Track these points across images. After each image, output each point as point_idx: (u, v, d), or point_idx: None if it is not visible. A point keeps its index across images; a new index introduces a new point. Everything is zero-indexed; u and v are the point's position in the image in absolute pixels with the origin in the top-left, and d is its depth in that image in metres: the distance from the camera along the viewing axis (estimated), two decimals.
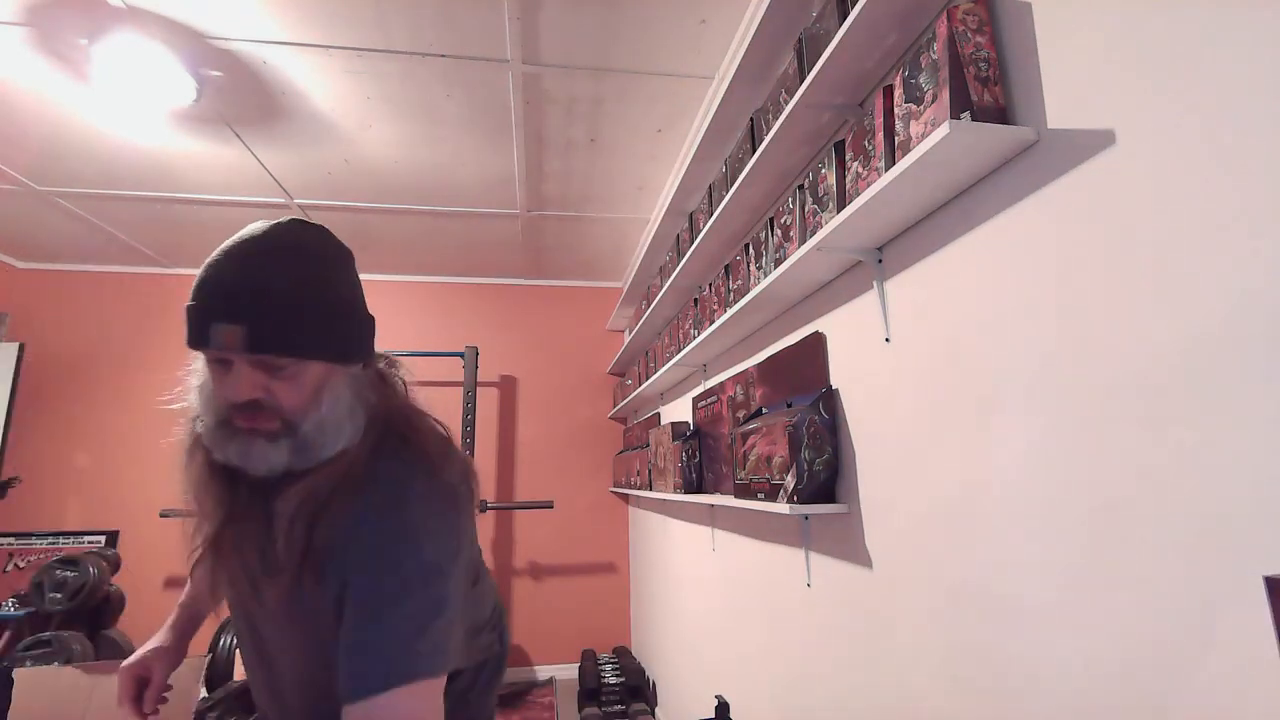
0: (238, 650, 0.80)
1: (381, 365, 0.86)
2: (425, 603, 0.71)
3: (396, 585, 0.70)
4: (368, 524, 0.72)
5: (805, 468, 1.37)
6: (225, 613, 0.84)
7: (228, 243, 0.72)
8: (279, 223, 0.75)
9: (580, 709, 3.10)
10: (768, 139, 1.53)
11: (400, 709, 0.66)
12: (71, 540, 3.30)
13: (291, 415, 0.73)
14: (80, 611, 2.83)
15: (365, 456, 0.76)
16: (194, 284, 0.71)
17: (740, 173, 1.73)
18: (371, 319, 0.80)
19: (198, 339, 0.69)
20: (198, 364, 0.77)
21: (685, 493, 2.23)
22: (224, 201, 2.99)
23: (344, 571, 0.71)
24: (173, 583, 3.54)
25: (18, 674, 0.86)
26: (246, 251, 0.71)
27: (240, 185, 2.82)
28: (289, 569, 0.72)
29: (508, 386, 4.12)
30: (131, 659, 0.90)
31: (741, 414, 1.92)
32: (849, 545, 1.37)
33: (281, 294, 0.69)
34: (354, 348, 0.78)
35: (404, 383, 0.87)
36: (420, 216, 3.21)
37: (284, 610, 0.76)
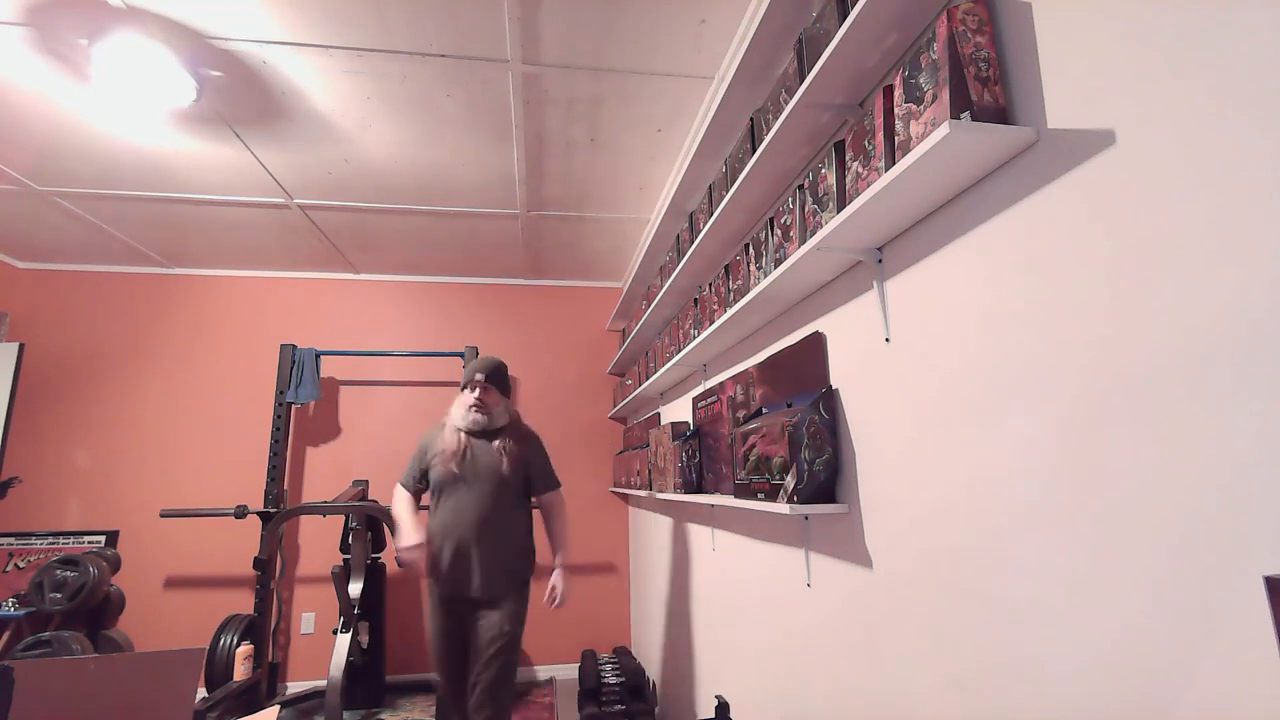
0: (438, 505, 2.19)
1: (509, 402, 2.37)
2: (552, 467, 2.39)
3: (549, 461, 2.35)
4: (538, 447, 2.33)
5: (805, 468, 1.37)
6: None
7: (474, 360, 2.37)
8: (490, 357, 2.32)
9: (580, 709, 3.10)
10: (768, 139, 1.53)
11: (559, 492, 2.35)
12: (71, 540, 3.30)
13: (490, 408, 2.22)
14: (80, 611, 2.83)
15: (521, 425, 2.32)
16: (465, 370, 2.32)
17: (740, 173, 1.73)
18: (509, 386, 2.34)
19: (468, 380, 2.24)
20: (459, 397, 2.28)
21: (685, 493, 2.23)
22: (224, 201, 2.99)
23: (532, 460, 2.27)
24: (173, 582, 3.54)
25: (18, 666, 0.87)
26: (479, 358, 2.30)
27: (240, 185, 2.83)
28: (510, 463, 2.18)
29: None
30: (414, 545, 2.10)
31: (741, 414, 1.92)
32: (849, 545, 1.37)
33: (488, 368, 2.26)
34: (504, 390, 2.29)
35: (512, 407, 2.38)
36: (420, 216, 3.21)
37: (494, 478, 2.15)
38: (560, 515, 2.31)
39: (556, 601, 2.20)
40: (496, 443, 2.19)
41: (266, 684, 3.25)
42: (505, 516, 2.16)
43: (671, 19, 1.85)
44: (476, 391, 2.20)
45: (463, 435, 2.20)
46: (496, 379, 2.25)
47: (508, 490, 2.17)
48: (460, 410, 2.22)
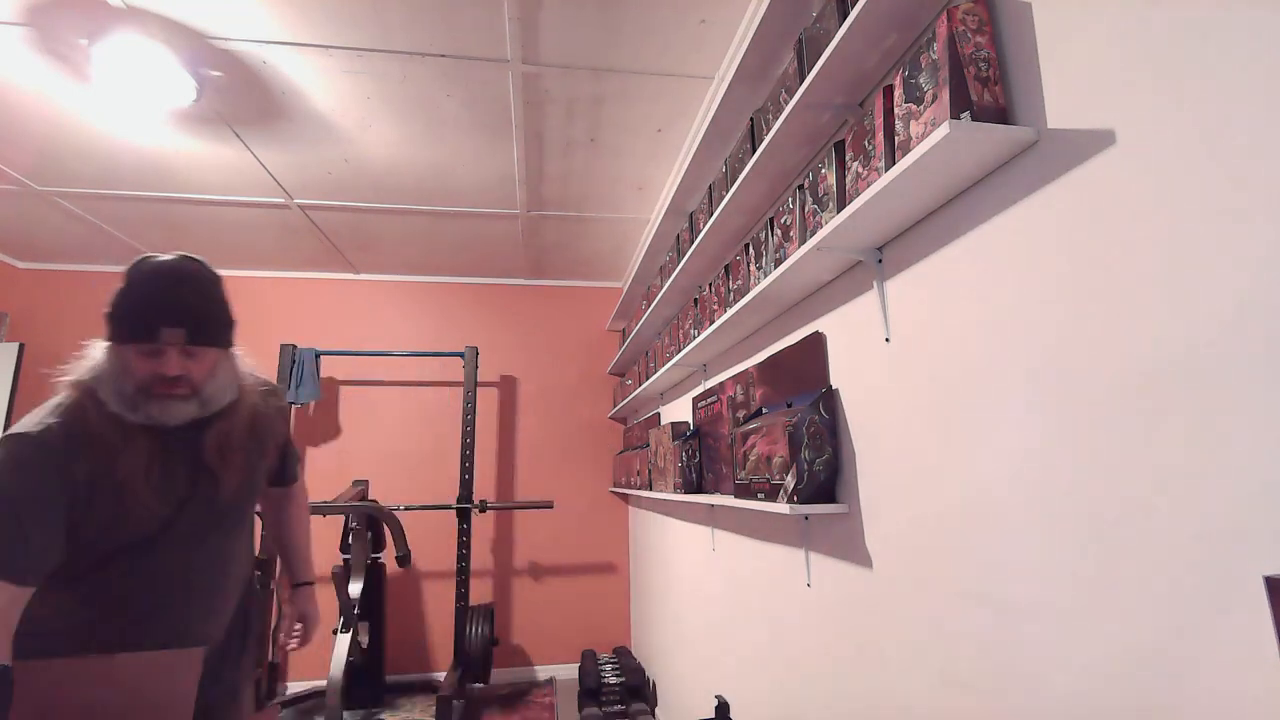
0: (103, 584, 1.06)
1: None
2: None
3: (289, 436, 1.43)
4: (283, 422, 1.35)
5: (805, 468, 1.37)
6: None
7: (148, 269, 1.03)
8: (180, 257, 1.08)
9: (580, 709, 3.10)
10: (768, 139, 1.53)
11: (302, 479, 1.51)
12: None
13: (199, 383, 1.08)
14: None
15: (258, 395, 1.22)
16: (125, 298, 1.02)
17: (740, 173, 1.73)
18: (235, 320, 1.15)
19: (144, 335, 1.01)
20: (96, 351, 1.06)
21: (685, 493, 2.23)
22: (224, 201, 2.99)
23: (280, 439, 1.33)
24: None
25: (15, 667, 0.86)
26: (167, 279, 1.04)
27: (240, 185, 2.82)
28: (237, 476, 1.15)
29: (508, 386, 4.12)
30: None
31: (741, 414, 1.92)
32: (849, 545, 1.37)
33: (194, 308, 1.05)
34: (228, 340, 1.14)
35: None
36: (420, 216, 3.21)
37: (216, 512, 1.14)
38: (303, 513, 1.51)
39: (304, 641, 1.43)
40: (210, 437, 1.11)
41: (266, 684, 3.25)
42: (235, 576, 1.22)
43: (671, 19, 1.85)
44: (172, 359, 1.03)
45: (151, 438, 1.05)
46: (210, 328, 1.08)
47: (233, 525, 1.20)
48: (130, 387, 1.03)
